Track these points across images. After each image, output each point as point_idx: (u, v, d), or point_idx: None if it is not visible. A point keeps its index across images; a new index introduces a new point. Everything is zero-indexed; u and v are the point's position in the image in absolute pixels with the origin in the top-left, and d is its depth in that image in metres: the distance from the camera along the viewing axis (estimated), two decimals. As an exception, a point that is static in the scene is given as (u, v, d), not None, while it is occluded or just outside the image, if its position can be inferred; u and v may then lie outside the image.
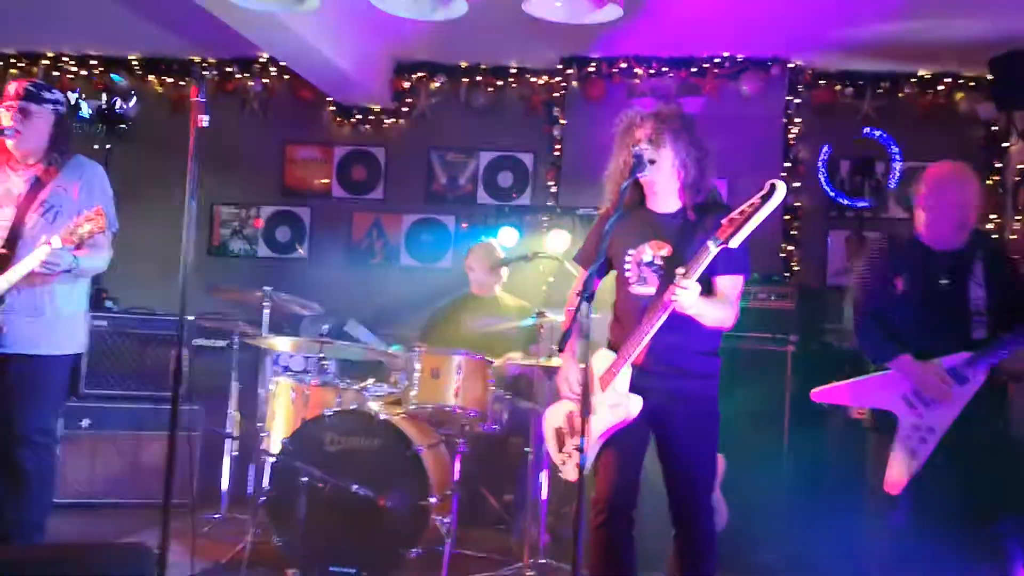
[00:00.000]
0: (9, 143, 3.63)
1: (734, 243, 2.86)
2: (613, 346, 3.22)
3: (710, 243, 2.90)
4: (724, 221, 2.87)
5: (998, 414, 3.61)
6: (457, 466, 4.37)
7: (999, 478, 3.50)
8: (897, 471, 3.48)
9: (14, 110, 3.60)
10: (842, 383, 3.76)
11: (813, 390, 3.80)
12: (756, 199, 2.83)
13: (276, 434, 4.60)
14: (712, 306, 3.06)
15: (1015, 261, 3.67)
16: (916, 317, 3.53)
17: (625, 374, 3.11)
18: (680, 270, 2.93)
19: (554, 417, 3.43)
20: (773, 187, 2.82)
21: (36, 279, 3.54)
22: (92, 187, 3.68)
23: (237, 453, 5.17)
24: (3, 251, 3.55)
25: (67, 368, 3.74)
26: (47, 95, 3.65)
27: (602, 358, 3.18)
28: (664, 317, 2.98)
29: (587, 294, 2.77)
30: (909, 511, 3.48)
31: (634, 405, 3.08)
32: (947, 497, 3.47)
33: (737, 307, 3.14)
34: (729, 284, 3.14)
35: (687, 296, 2.91)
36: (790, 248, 6.26)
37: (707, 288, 3.10)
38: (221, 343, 5.56)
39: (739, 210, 2.86)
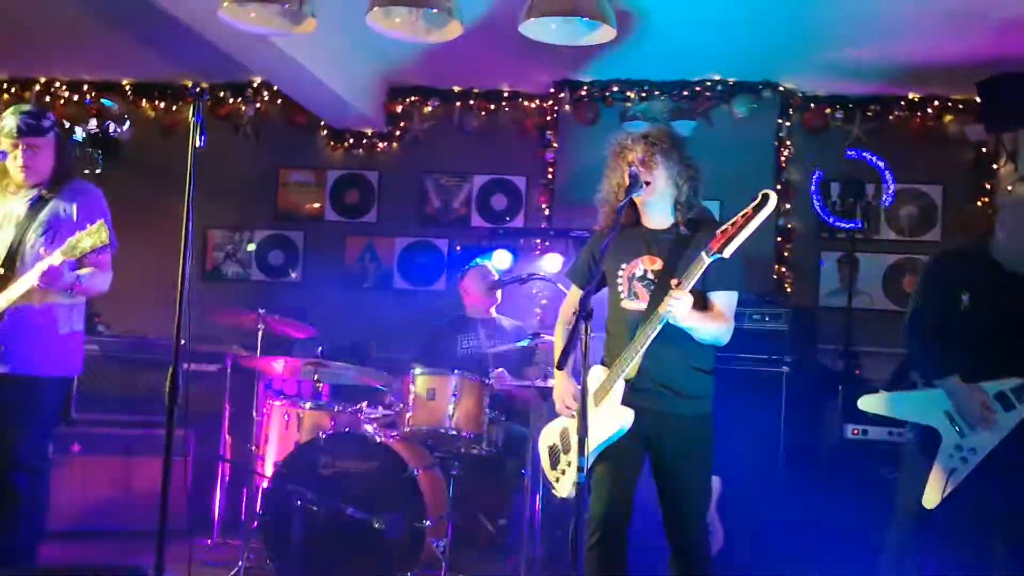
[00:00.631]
0: (19, 177, 3.64)
1: (727, 253, 2.88)
2: (606, 362, 3.23)
3: (704, 254, 2.93)
4: (717, 232, 2.91)
5: None
6: (452, 489, 4.34)
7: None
8: (935, 488, 3.45)
9: (24, 148, 3.60)
10: (889, 394, 3.75)
11: (861, 399, 3.77)
12: (748, 209, 2.87)
13: (270, 458, 4.58)
14: (706, 320, 3.06)
15: None
16: (974, 335, 3.47)
17: (618, 389, 3.11)
18: (674, 281, 2.94)
19: (548, 435, 3.42)
20: (765, 197, 2.86)
21: (35, 298, 3.53)
22: (91, 209, 3.67)
23: (230, 478, 5.13)
24: (2, 271, 3.54)
25: (63, 390, 3.72)
26: (46, 123, 3.66)
27: (596, 374, 3.19)
28: (658, 330, 2.99)
29: (584, 312, 2.78)
30: (940, 532, 3.46)
31: (627, 418, 3.08)
32: (981, 521, 3.45)
33: (732, 324, 3.14)
34: (724, 300, 3.15)
35: (680, 307, 2.92)
36: (783, 270, 6.29)
37: (702, 305, 3.11)
38: (213, 367, 5.53)
39: (731, 221, 2.89)
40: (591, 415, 3.07)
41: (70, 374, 3.75)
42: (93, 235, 3.34)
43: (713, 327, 3.08)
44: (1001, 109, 5.64)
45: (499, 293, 5.41)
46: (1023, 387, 3.39)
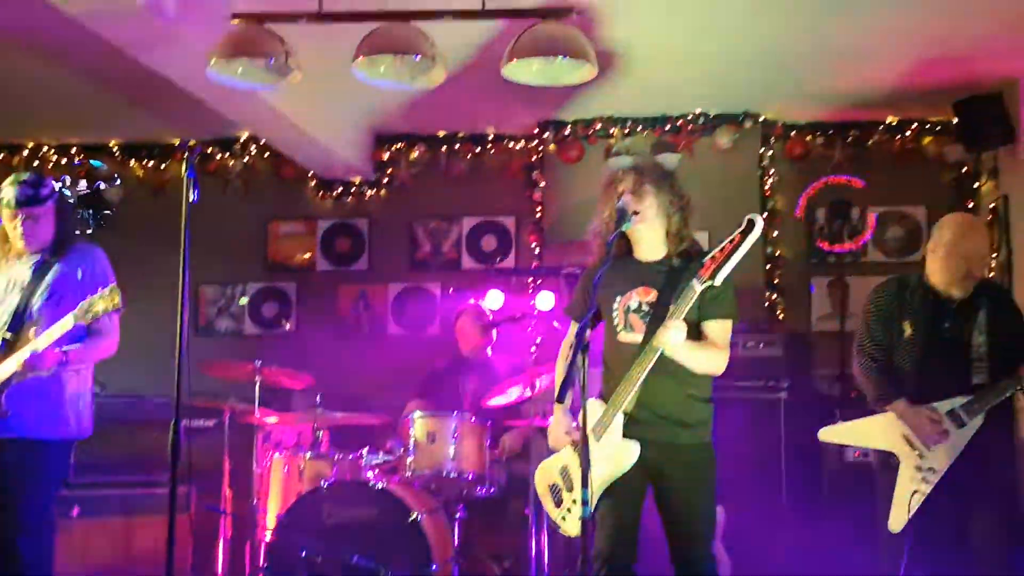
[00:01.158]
0: (20, 245, 3.68)
1: (718, 280, 2.92)
2: (604, 396, 3.23)
3: (695, 282, 2.96)
4: (706, 260, 2.95)
5: (1000, 456, 3.62)
6: (457, 532, 4.32)
7: (1001, 518, 3.53)
8: (899, 510, 3.53)
9: (23, 218, 3.63)
10: (845, 423, 3.84)
11: (820, 431, 3.84)
12: (736, 235, 2.91)
13: (272, 510, 4.56)
14: (699, 349, 3.08)
15: (1018, 309, 3.74)
16: (919, 360, 3.60)
17: (618, 422, 3.12)
18: (672, 307, 2.97)
19: (547, 474, 3.40)
20: (751, 222, 2.91)
21: (28, 375, 3.54)
22: (95, 271, 3.71)
23: (232, 533, 5.09)
24: (8, 335, 3.56)
25: (69, 452, 3.72)
26: (44, 192, 3.68)
27: (593, 408, 3.18)
28: (653, 361, 3.01)
29: (581, 345, 2.80)
30: (916, 551, 3.49)
31: (631, 452, 3.08)
32: (952, 537, 3.51)
33: (727, 353, 3.16)
34: (718, 329, 3.17)
35: (674, 337, 2.94)
36: (774, 296, 6.33)
37: (697, 334, 3.13)
38: (211, 422, 5.52)
39: (720, 247, 2.93)
40: (593, 451, 3.08)
41: (78, 436, 3.74)
42: (106, 299, 3.38)
43: (706, 356, 3.10)
44: (978, 129, 5.74)
45: (494, 333, 5.43)
46: (971, 403, 3.48)
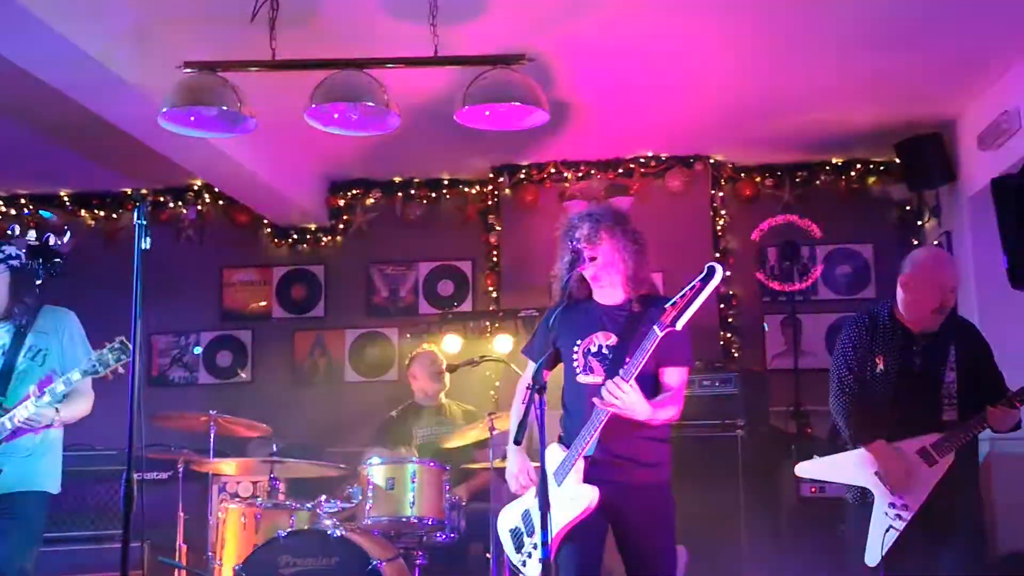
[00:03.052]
0: None
1: (679, 326, 2.95)
2: (564, 439, 3.24)
3: (656, 328, 2.99)
4: (667, 307, 2.97)
5: (969, 493, 3.66)
6: (418, 579, 4.28)
7: (972, 552, 3.57)
8: (874, 546, 3.55)
9: None
10: (821, 459, 3.86)
11: (797, 466, 3.87)
12: (696, 282, 2.95)
13: (228, 563, 4.46)
14: (657, 407, 3.07)
15: (987, 345, 3.74)
16: (892, 396, 3.63)
17: (579, 467, 3.12)
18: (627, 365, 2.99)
19: (508, 518, 3.40)
20: (712, 269, 2.95)
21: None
22: (72, 331, 3.77)
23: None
24: None
25: (48, 506, 3.71)
26: None
27: (554, 453, 3.19)
28: (604, 421, 3.03)
29: (537, 386, 2.81)
30: None
31: (591, 497, 3.08)
32: (924, 571, 3.53)
33: (681, 399, 3.19)
34: (676, 375, 3.20)
35: (623, 398, 2.96)
36: (729, 335, 6.40)
37: (655, 381, 3.16)
38: (164, 475, 5.42)
39: (680, 294, 2.96)
40: (553, 494, 3.08)
41: (55, 490, 3.74)
42: (116, 351, 3.42)
43: (662, 412, 3.11)
44: (921, 168, 5.91)
45: (447, 378, 5.40)
46: (942, 442, 3.52)
